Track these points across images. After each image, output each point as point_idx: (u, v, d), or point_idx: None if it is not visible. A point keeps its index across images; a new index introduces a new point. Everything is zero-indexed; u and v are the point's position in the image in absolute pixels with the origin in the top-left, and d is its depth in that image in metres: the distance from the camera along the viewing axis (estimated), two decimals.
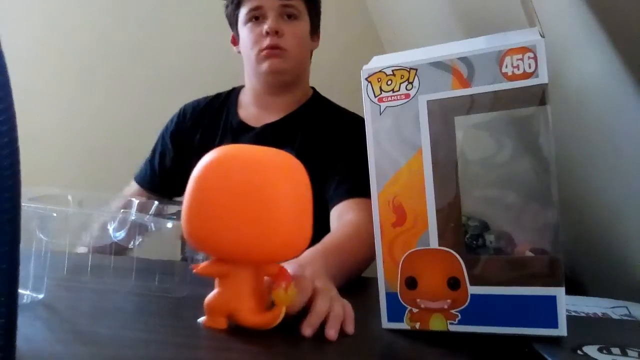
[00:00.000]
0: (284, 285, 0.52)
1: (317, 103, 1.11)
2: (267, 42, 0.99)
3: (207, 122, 1.12)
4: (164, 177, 1.14)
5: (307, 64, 1.10)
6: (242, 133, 1.07)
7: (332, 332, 0.53)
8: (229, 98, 1.15)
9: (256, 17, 1.02)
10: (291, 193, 0.53)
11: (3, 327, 0.31)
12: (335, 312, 0.55)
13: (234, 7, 1.07)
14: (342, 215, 0.87)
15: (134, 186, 1.17)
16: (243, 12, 1.04)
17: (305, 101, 1.10)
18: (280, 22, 1.00)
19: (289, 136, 1.02)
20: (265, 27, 0.99)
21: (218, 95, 1.17)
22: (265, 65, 1.01)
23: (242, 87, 1.15)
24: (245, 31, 1.04)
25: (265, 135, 1.04)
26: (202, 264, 0.55)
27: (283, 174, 0.53)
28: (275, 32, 0.99)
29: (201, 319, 0.55)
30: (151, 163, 1.17)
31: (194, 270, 0.55)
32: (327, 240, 0.78)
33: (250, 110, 1.10)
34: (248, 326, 0.53)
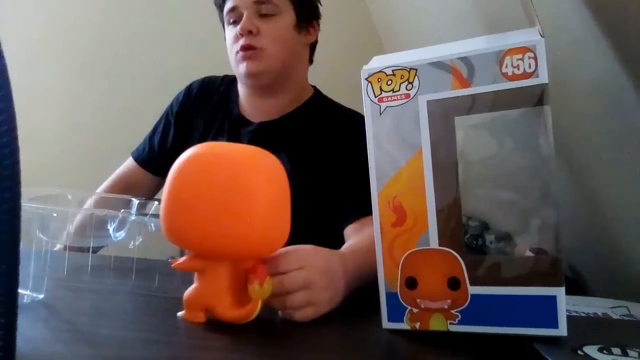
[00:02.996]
0: (260, 280, 0.53)
1: (318, 104, 1.06)
2: (241, 42, 0.96)
3: (211, 107, 1.09)
4: (162, 156, 1.10)
5: (296, 60, 1.03)
6: (240, 126, 1.04)
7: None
8: (233, 84, 1.11)
9: (234, 19, 0.99)
10: (267, 190, 0.54)
11: (3, 327, 0.31)
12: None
13: (219, 11, 1.05)
14: (361, 229, 0.85)
15: (130, 163, 1.13)
16: (224, 13, 1.02)
17: (305, 101, 1.05)
18: (256, 20, 0.96)
19: (286, 137, 0.99)
20: (238, 27, 0.97)
21: (225, 80, 1.14)
22: (242, 68, 0.97)
23: None
24: (226, 34, 1.03)
25: (262, 133, 1.01)
26: (181, 260, 0.56)
27: (259, 171, 0.54)
28: (248, 32, 0.95)
29: (180, 313, 0.56)
30: (151, 140, 1.13)
31: (172, 265, 0.56)
32: (349, 243, 0.78)
33: (248, 105, 1.07)
34: (224, 320, 0.54)
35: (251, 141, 1.00)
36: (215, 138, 1.05)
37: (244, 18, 0.96)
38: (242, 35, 0.96)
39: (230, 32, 1.00)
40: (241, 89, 1.07)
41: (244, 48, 0.96)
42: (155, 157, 1.12)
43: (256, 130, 1.02)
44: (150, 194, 1.13)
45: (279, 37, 0.98)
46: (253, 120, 1.04)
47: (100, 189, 1.11)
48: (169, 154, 1.09)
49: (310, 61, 1.09)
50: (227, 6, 1.00)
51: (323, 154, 0.97)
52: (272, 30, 0.97)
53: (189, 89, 1.14)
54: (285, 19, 0.99)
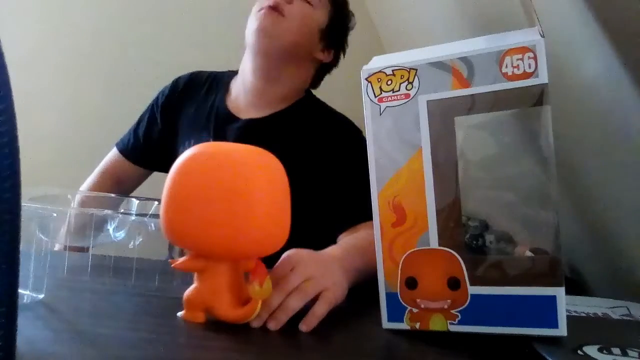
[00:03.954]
0: (260, 280, 0.53)
1: (308, 105, 1.06)
2: (268, 1, 0.96)
3: (197, 103, 1.09)
4: (147, 148, 1.10)
5: (303, 55, 1.02)
6: (226, 122, 1.03)
7: (271, 324, 0.55)
8: (221, 81, 1.11)
9: None
10: (267, 190, 0.54)
11: (3, 327, 0.31)
12: (285, 304, 0.56)
13: None
14: (353, 233, 0.86)
15: (115, 154, 1.13)
16: None
17: (295, 101, 1.05)
18: None
19: (273, 135, 0.98)
20: None
21: (211, 76, 1.13)
22: (256, 23, 0.96)
23: (236, 72, 1.10)
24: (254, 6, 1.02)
25: (249, 130, 1.00)
26: (181, 260, 0.56)
27: (260, 171, 0.54)
28: None
29: (180, 313, 0.56)
30: (136, 132, 1.12)
31: (172, 265, 0.56)
32: (350, 239, 0.78)
33: (238, 100, 1.06)
34: (224, 320, 0.55)
35: (237, 138, 0.99)
36: (200, 133, 1.04)
37: None
38: None
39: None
40: (240, 76, 1.06)
41: (270, 7, 0.95)
42: (140, 149, 1.11)
43: (243, 127, 1.01)
44: (137, 184, 1.13)
45: (305, 18, 0.98)
46: (240, 116, 1.03)
47: (87, 181, 1.11)
48: (154, 146, 1.09)
49: (314, 85, 1.09)
50: None
51: (311, 156, 0.97)
52: (302, 10, 0.98)
53: (175, 82, 1.13)
54: (317, 13, 1.00)
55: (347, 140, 0.97)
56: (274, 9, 0.95)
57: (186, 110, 1.09)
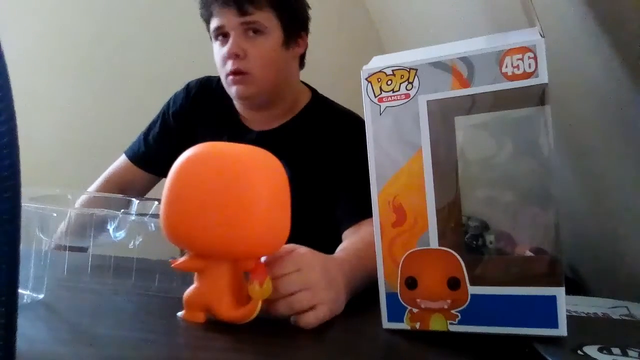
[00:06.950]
0: (260, 280, 0.53)
1: (316, 109, 1.06)
2: (229, 66, 0.96)
3: (210, 110, 1.09)
4: (159, 155, 1.10)
5: (286, 76, 1.03)
6: (240, 133, 1.04)
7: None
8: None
9: (221, 35, 0.99)
10: (267, 189, 0.53)
11: (3, 327, 0.31)
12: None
13: (206, 23, 1.04)
14: (357, 231, 0.85)
15: (124, 161, 1.13)
16: (210, 29, 1.01)
17: (304, 107, 1.05)
18: (243, 41, 0.96)
19: (286, 145, 0.97)
20: (225, 50, 0.96)
21: (221, 82, 1.11)
22: (232, 91, 0.99)
23: None
24: (214, 48, 1.02)
25: (261, 143, 1.00)
26: (180, 259, 0.56)
27: (259, 170, 0.54)
28: (235, 56, 0.95)
29: (180, 313, 0.56)
30: (146, 139, 1.12)
31: (172, 265, 0.56)
32: (344, 246, 0.78)
33: (244, 114, 1.07)
34: (224, 320, 0.54)
35: None
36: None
37: (230, 40, 0.96)
38: (229, 58, 0.96)
39: (218, 49, 1.00)
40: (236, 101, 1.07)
41: (233, 73, 0.96)
42: (151, 156, 1.11)
43: (255, 139, 1.01)
44: (144, 191, 1.13)
45: (266, 59, 0.97)
46: (252, 127, 1.05)
47: (92, 188, 1.10)
48: (166, 153, 1.06)
49: (302, 65, 1.08)
50: (213, 25, 0.99)
51: (323, 159, 0.97)
52: (259, 52, 0.96)
53: (187, 89, 1.13)
54: (274, 37, 0.98)
55: (352, 138, 0.97)
56: (238, 72, 0.96)
57: (201, 117, 1.09)
